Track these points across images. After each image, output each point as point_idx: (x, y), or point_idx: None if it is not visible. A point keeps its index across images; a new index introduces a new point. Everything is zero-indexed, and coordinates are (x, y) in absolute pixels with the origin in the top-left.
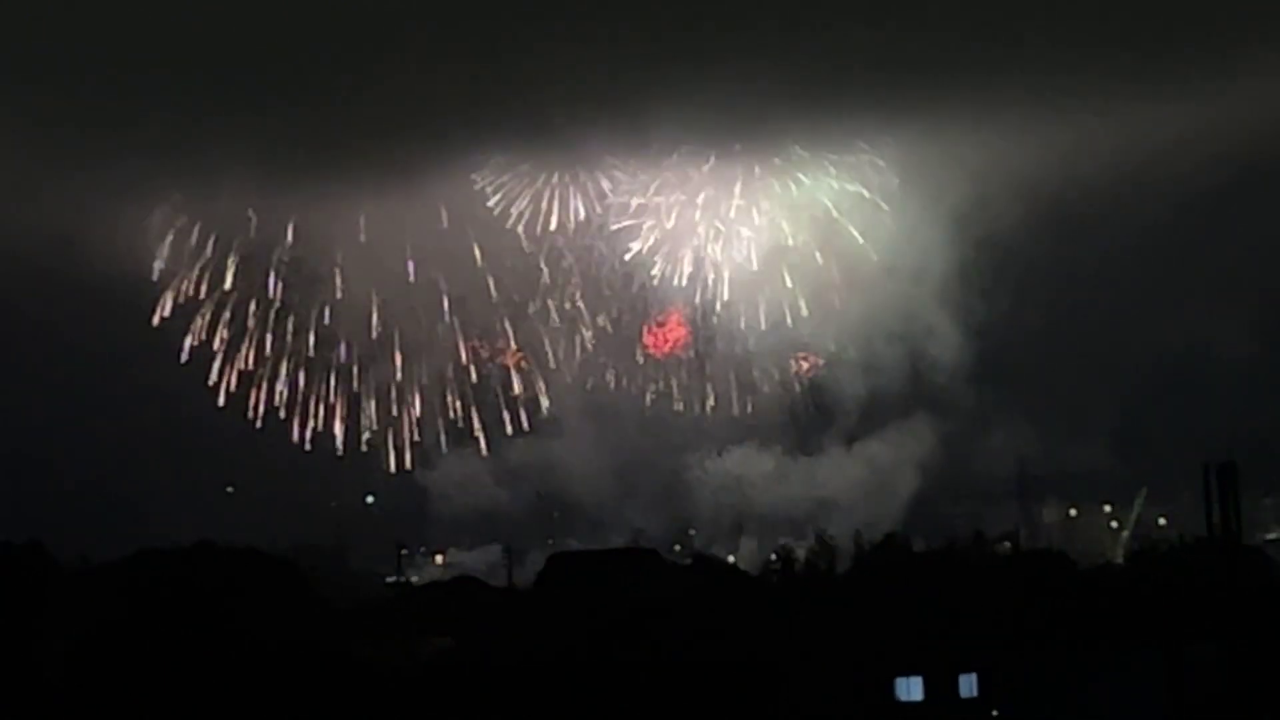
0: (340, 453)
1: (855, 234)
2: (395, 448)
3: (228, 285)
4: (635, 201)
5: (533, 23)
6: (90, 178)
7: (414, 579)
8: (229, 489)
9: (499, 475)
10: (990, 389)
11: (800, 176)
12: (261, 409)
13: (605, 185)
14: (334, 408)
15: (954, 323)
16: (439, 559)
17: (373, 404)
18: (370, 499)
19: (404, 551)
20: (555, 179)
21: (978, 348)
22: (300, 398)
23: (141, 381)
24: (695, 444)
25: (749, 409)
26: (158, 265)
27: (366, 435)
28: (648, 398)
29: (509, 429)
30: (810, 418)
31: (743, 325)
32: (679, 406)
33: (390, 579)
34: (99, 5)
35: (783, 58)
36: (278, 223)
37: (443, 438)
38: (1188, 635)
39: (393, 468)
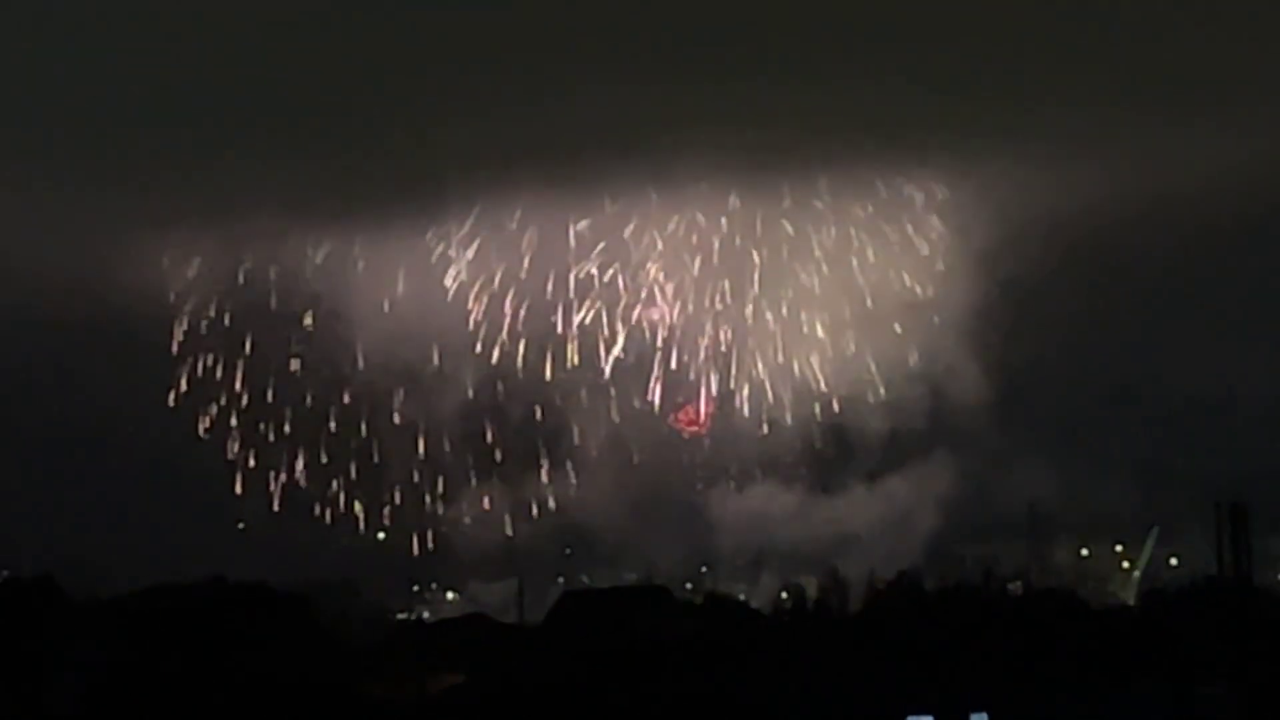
0: (362, 530)
1: (879, 273)
2: (419, 535)
3: (247, 350)
4: (652, 267)
5: (558, 74)
6: (113, 226)
7: (426, 615)
8: (240, 525)
9: (517, 509)
10: (1008, 427)
11: (824, 217)
12: (280, 486)
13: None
14: (354, 488)
15: (976, 361)
16: (450, 595)
17: (396, 494)
18: (382, 535)
19: (415, 588)
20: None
21: (998, 386)
22: (320, 479)
23: (156, 430)
24: (717, 480)
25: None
26: (176, 336)
27: (382, 535)
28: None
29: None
30: (832, 455)
31: (769, 388)
32: (701, 485)
33: (402, 615)
34: (127, 56)
35: (806, 100)
36: (300, 293)
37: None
38: (1198, 674)
39: (415, 550)
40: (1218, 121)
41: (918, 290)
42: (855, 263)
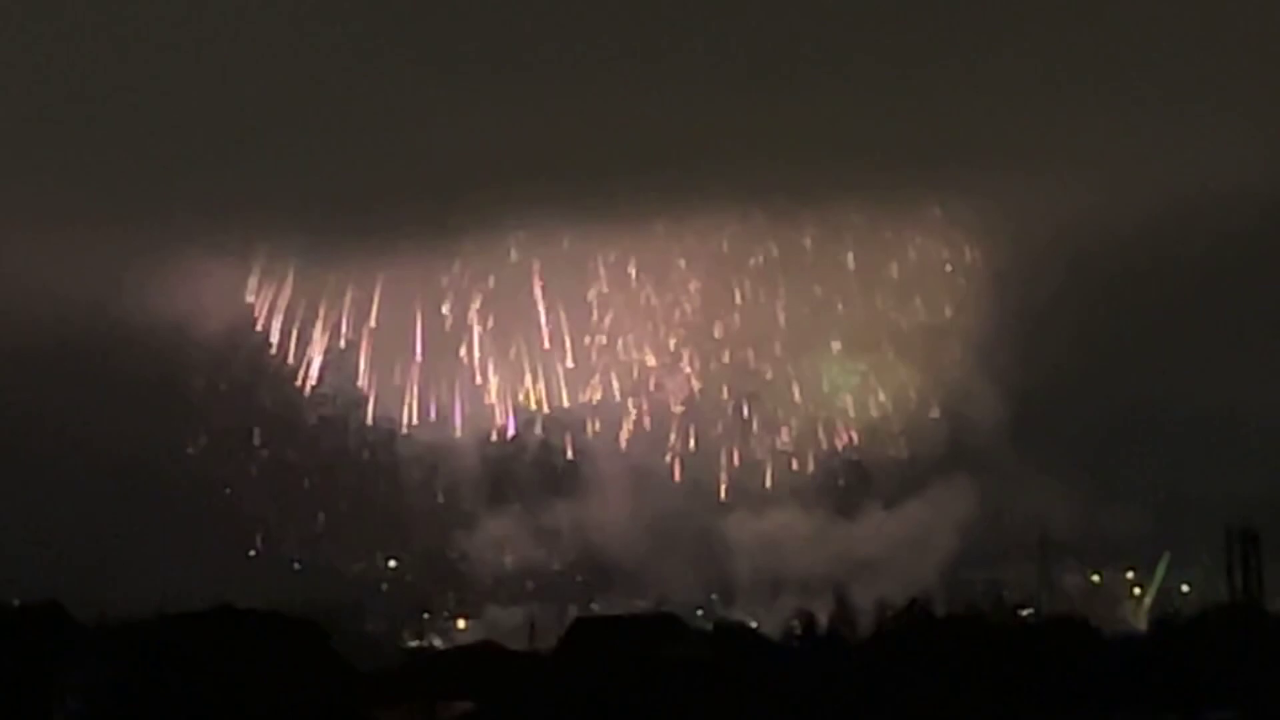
0: (385, 588)
1: (899, 300)
2: (432, 564)
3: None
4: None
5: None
6: (136, 276)
7: (437, 642)
8: (251, 552)
9: (535, 534)
10: (1021, 454)
11: (846, 244)
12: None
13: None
14: (371, 538)
15: (990, 388)
16: (461, 623)
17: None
18: (393, 563)
19: (426, 615)
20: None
21: (1011, 413)
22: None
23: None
24: (736, 505)
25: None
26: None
27: (394, 564)
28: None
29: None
30: (849, 483)
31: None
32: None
33: (413, 642)
34: (146, 107)
35: (826, 125)
36: (317, 349)
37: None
38: (1209, 700)
39: (428, 578)
40: (1223, 141)
41: (935, 318)
42: (874, 282)
